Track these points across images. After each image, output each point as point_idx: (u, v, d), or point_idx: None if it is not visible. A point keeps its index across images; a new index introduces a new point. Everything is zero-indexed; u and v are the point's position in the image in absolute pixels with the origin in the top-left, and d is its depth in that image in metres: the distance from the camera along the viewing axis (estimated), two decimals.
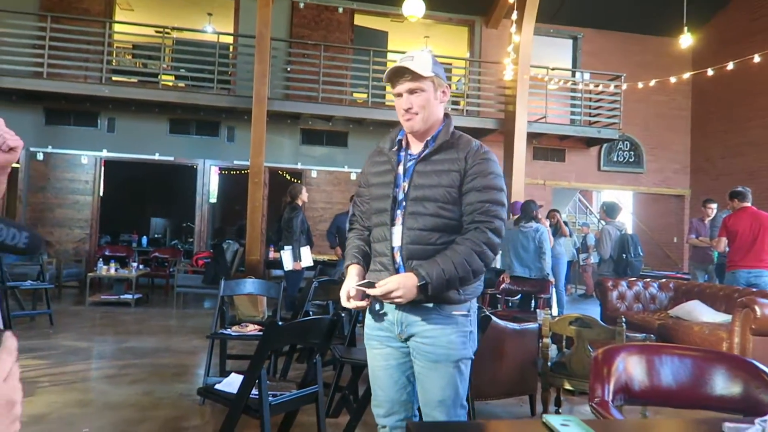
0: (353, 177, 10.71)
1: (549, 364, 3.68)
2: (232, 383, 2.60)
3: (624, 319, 3.57)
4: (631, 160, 12.24)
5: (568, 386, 3.61)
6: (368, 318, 1.97)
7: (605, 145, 11.96)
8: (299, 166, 10.77)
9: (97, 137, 10.05)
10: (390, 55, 10.82)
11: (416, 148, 1.94)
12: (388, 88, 1.96)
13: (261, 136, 8.64)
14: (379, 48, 10.83)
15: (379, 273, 1.90)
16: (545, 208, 9.69)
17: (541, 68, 10.73)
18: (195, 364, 4.97)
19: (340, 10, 11.06)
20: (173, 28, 10.06)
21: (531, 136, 10.66)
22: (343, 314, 3.31)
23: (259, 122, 8.65)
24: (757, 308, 4.22)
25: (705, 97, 12.07)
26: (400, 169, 1.93)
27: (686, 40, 8.25)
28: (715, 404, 1.78)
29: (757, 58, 8.21)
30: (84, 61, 9.60)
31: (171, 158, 10.34)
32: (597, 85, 11.33)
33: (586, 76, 11.76)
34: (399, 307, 1.85)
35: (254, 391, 2.34)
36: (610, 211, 7.47)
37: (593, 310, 7.34)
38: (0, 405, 0.65)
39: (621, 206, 8.38)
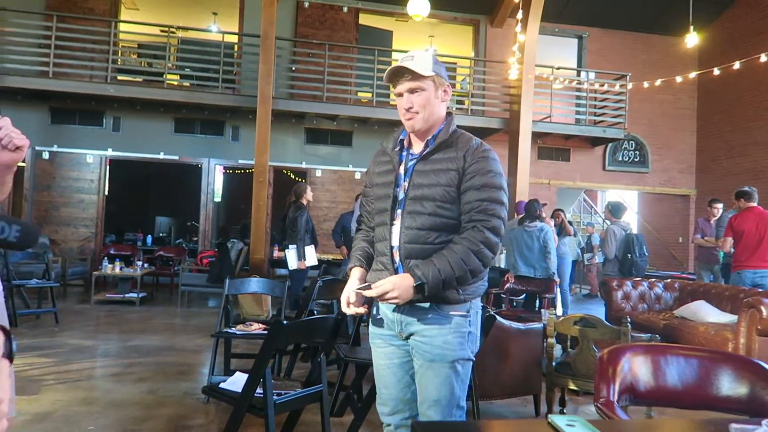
0: (358, 176, 10.72)
1: (553, 364, 3.67)
2: (236, 382, 2.61)
3: (629, 319, 3.56)
4: (636, 159, 12.20)
5: (572, 386, 3.61)
6: (382, 313, 1.98)
7: (610, 144, 11.93)
8: (304, 166, 10.77)
9: (103, 136, 10.09)
10: (395, 55, 10.81)
11: (418, 147, 1.94)
12: (392, 87, 1.96)
13: (266, 136, 8.65)
14: (384, 47, 10.83)
15: (380, 272, 1.90)
16: (549, 207, 9.66)
17: (546, 67, 10.70)
18: (199, 363, 4.99)
19: (345, 9, 11.06)
20: (178, 28, 10.08)
21: (536, 136, 10.64)
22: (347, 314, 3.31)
23: (263, 121, 8.66)
24: (762, 309, 4.21)
25: (711, 96, 12.01)
26: (402, 168, 1.93)
27: (692, 39, 8.23)
28: (721, 405, 1.77)
29: (763, 58, 8.18)
30: (89, 60, 9.63)
31: (176, 157, 10.37)
32: (602, 85, 11.29)
33: (592, 75, 11.72)
34: (398, 306, 1.85)
35: (259, 390, 2.34)
36: (615, 210, 7.45)
37: (598, 310, 7.32)
38: None
39: (626, 206, 8.36)
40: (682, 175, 12.40)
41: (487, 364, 3.51)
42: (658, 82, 10.04)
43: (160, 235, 14.30)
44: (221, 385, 2.67)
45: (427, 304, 1.84)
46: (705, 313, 5.30)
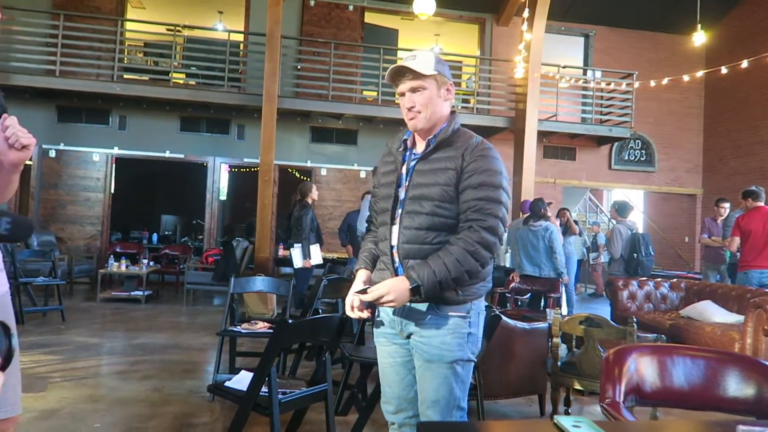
0: (363, 175, 10.71)
1: (559, 363, 3.66)
2: (241, 380, 2.61)
3: (635, 319, 3.54)
4: (642, 158, 12.15)
5: (577, 386, 3.59)
6: (382, 314, 1.99)
7: (616, 143, 11.88)
8: (309, 164, 10.78)
9: (109, 135, 10.13)
10: (400, 53, 10.81)
11: (420, 147, 1.94)
12: (395, 86, 1.96)
13: (271, 134, 8.66)
14: (390, 46, 10.82)
15: (382, 272, 1.92)
16: (555, 206, 9.64)
17: (552, 66, 10.66)
18: (205, 361, 5.00)
19: (351, 8, 11.05)
20: (184, 26, 10.09)
21: (541, 135, 10.61)
22: None
23: (269, 120, 8.67)
24: None
25: (718, 95, 11.94)
26: (404, 168, 1.93)
27: (700, 37, 8.17)
28: (728, 406, 1.76)
29: None
30: (96, 59, 9.66)
31: (181, 156, 10.40)
32: (609, 83, 11.25)
33: (598, 74, 11.67)
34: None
35: (264, 389, 2.35)
36: (621, 210, 7.42)
37: (603, 310, 7.30)
38: None
39: (632, 205, 8.33)
40: (688, 175, 12.34)
41: (492, 364, 3.50)
42: (665, 81, 9.99)
43: (166, 233, 14.36)
44: (226, 383, 2.67)
45: (425, 305, 1.83)
46: (711, 313, 5.27)
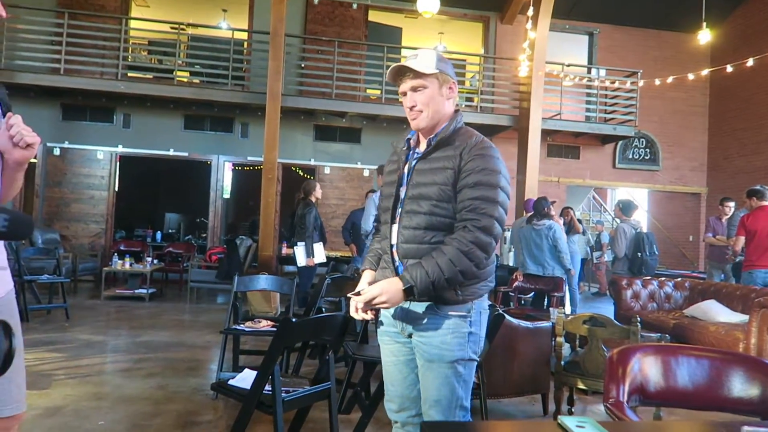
0: (366, 173, 10.72)
1: (562, 363, 3.66)
2: (245, 379, 2.62)
3: (639, 319, 3.53)
4: (646, 157, 12.11)
5: (581, 385, 3.59)
6: (382, 314, 1.99)
7: (621, 142, 11.84)
8: (312, 163, 10.79)
9: (113, 133, 10.15)
10: (404, 52, 10.79)
11: (423, 146, 1.94)
12: (397, 86, 1.96)
13: (275, 132, 8.67)
14: (393, 44, 10.81)
15: (384, 270, 1.93)
16: (559, 205, 9.62)
17: (556, 64, 10.63)
18: (208, 359, 5.01)
19: (354, 6, 11.05)
20: (188, 25, 10.10)
21: (545, 133, 10.59)
22: None
23: (272, 118, 8.68)
24: None
25: (723, 93, 11.89)
26: (406, 168, 1.93)
27: (705, 35, 8.15)
28: (732, 406, 1.75)
29: None
30: (100, 57, 9.69)
31: (185, 154, 10.41)
32: (613, 82, 11.21)
33: (602, 72, 11.64)
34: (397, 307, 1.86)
35: (267, 387, 2.35)
36: (625, 209, 7.40)
37: (606, 309, 7.29)
38: None
39: (636, 204, 8.31)
40: (693, 173, 12.30)
41: (496, 363, 3.50)
42: (669, 80, 9.95)
43: (170, 231, 14.39)
44: (230, 381, 2.68)
45: (423, 306, 1.83)
46: (715, 312, 5.26)
